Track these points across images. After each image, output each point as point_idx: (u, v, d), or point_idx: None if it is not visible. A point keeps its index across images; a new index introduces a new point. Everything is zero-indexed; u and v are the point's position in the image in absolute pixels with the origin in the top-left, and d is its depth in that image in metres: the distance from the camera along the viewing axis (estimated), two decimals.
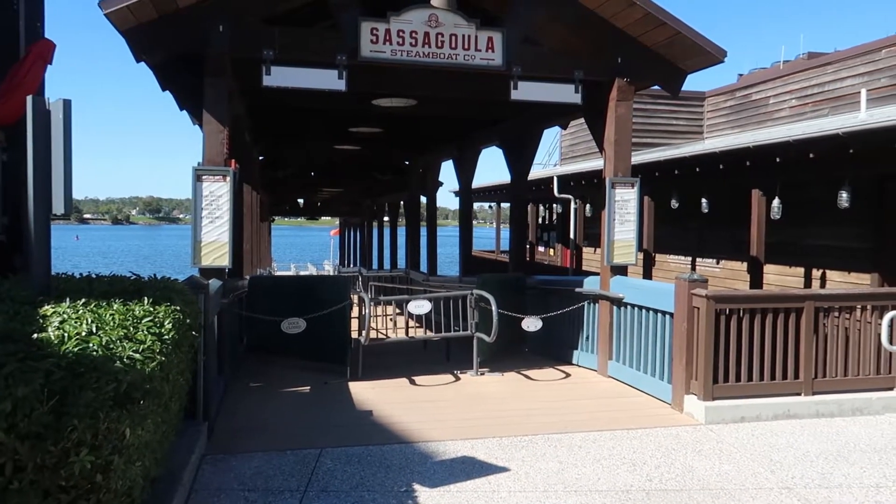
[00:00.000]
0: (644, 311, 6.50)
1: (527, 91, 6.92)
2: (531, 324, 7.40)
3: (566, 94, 7.05)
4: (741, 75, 18.08)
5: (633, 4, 6.54)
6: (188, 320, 3.50)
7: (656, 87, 7.54)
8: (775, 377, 5.75)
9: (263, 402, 6.07)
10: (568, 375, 7.29)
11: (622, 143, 7.10)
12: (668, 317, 6.08)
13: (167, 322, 3.13)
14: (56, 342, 2.51)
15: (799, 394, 5.77)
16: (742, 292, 6.76)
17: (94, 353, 2.49)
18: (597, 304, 7.43)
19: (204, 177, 6.08)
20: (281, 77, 6.34)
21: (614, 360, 7.08)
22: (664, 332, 6.15)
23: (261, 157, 15.29)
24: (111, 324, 2.84)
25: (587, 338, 7.68)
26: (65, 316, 2.84)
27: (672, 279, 13.23)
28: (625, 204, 7.10)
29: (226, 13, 6.12)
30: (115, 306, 3.09)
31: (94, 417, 2.19)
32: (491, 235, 31.52)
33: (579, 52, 7.15)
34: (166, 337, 3.01)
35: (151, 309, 3.23)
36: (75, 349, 2.47)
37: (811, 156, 8.38)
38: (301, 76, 6.43)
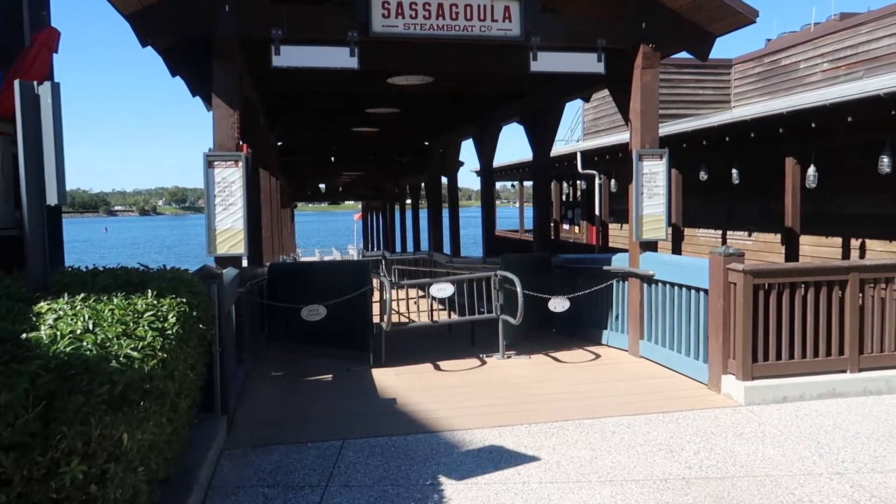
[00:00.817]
0: (676, 287, 6.21)
1: (547, 62, 6.61)
2: (558, 304, 7.15)
3: (588, 63, 6.72)
4: (769, 40, 17.40)
5: None
6: (195, 312, 3.33)
7: (683, 53, 7.17)
8: (818, 354, 5.44)
9: (285, 392, 5.93)
10: (598, 356, 7.05)
11: (649, 112, 6.76)
12: (702, 293, 5.79)
13: (171, 315, 2.95)
14: (47, 342, 2.35)
15: (844, 371, 5.46)
16: (781, 265, 6.42)
17: (88, 352, 2.32)
18: (626, 282, 7.15)
19: (215, 163, 5.90)
20: (291, 57, 6.12)
21: (646, 340, 6.82)
22: (698, 310, 5.86)
23: (279, 143, 15.15)
24: (109, 320, 2.67)
25: (616, 317, 7.41)
26: (60, 313, 2.68)
27: (702, 254, 12.86)
28: (653, 177, 6.78)
29: None
30: (116, 301, 2.92)
31: (85, 423, 2.01)
32: (514, 215, 31.17)
33: (601, 19, 6.82)
34: (170, 332, 2.83)
35: (155, 302, 3.06)
36: (67, 349, 2.29)
37: (849, 119, 7.95)
38: (312, 55, 6.20)
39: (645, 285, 6.79)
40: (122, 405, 2.22)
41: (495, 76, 8.52)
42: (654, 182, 6.79)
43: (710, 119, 12.43)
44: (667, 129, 11.88)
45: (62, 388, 2.06)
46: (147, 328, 2.72)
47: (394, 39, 6.35)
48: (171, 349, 2.76)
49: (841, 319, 5.45)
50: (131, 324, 2.73)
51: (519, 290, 6.69)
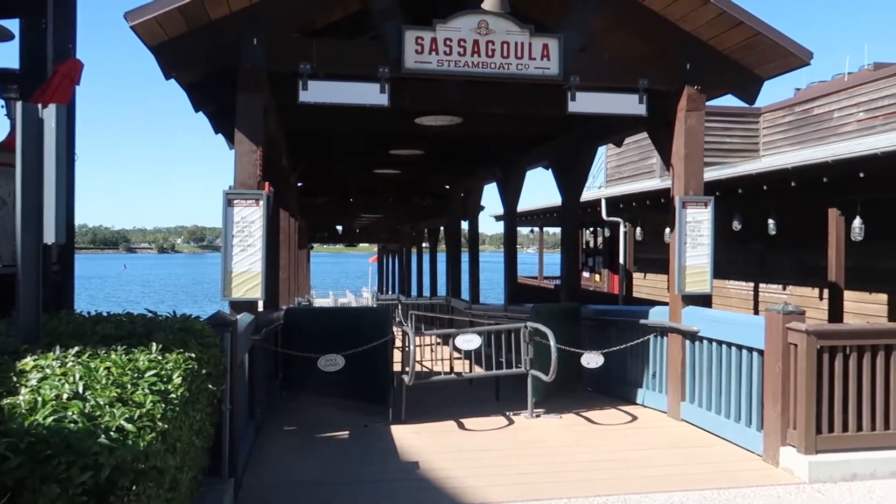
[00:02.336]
0: (725, 346, 5.72)
1: (585, 103, 6.29)
2: (592, 360, 6.66)
3: (629, 104, 6.39)
4: (798, 89, 17.12)
5: (706, 3, 5.88)
6: (204, 370, 2.92)
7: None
8: (889, 427, 4.91)
9: (297, 451, 5.46)
10: (634, 418, 6.52)
11: (693, 157, 6.39)
12: (755, 354, 5.30)
13: (176, 375, 2.54)
14: (25, 410, 1.94)
15: None
16: (848, 326, 5.94)
17: (72, 424, 1.91)
18: (665, 338, 6.66)
19: (235, 201, 5.58)
20: (319, 92, 5.85)
21: (688, 402, 6.29)
22: (751, 372, 5.36)
23: (299, 184, 14.95)
24: (104, 381, 2.27)
25: (654, 375, 6.90)
26: (47, 371, 2.28)
27: (732, 306, 12.31)
28: (697, 226, 6.36)
29: (260, 25, 5.67)
30: (114, 357, 2.52)
31: None
32: (530, 261, 30.74)
33: (643, 59, 6.52)
34: (174, 395, 2.42)
35: (160, 358, 2.66)
36: (47, 420, 1.89)
37: None
38: (340, 91, 5.93)
39: (688, 342, 6.30)
40: (110, 493, 1.80)
41: (527, 118, 8.23)
42: (697, 231, 6.37)
43: (746, 167, 12.03)
44: None
45: (33, 476, 1.64)
46: (147, 391, 2.31)
47: (426, 76, 6.07)
48: (175, 417, 2.35)
49: None
50: (129, 386, 2.32)
51: (552, 344, 6.23)
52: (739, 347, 5.51)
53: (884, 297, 9.83)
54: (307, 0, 5.91)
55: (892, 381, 4.89)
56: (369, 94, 5.92)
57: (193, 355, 2.85)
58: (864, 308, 10.10)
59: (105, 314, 3.61)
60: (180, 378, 2.54)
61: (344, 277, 72.84)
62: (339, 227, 28.45)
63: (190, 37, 5.48)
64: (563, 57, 6.06)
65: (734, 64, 6.39)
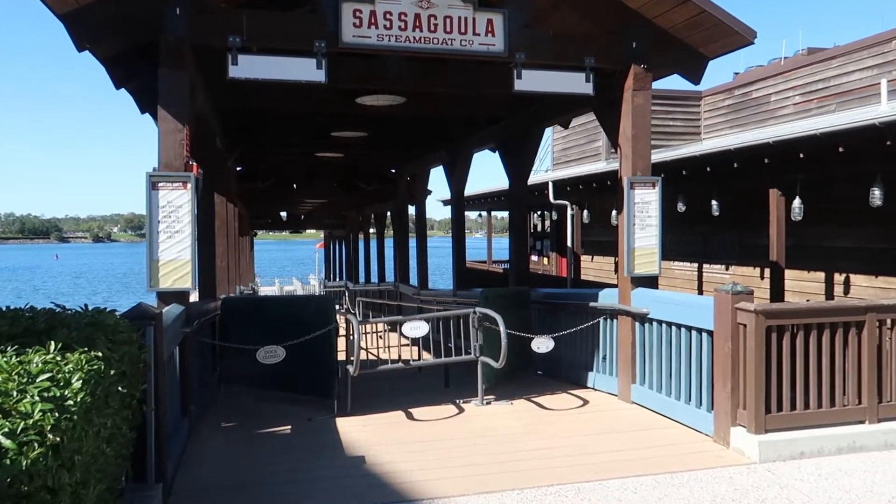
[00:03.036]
0: (675, 327, 5.66)
1: (532, 81, 6.09)
2: (542, 344, 6.53)
3: (576, 83, 6.23)
4: (737, 73, 17.42)
5: None
6: (113, 371, 2.59)
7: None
8: (835, 403, 4.93)
9: (236, 449, 5.15)
10: (585, 402, 6.43)
11: (641, 137, 6.28)
12: (704, 335, 5.24)
13: (76, 378, 2.22)
14: None
15: (863, 421, 4.94)
16: (795, 305, 5.96)
17: None
18: (615, 320, 6.59)
19: (160, 184, 5.17)
20: (250, 67, 5.46)
21: (638, 384, 6.24)
22: (700, 353, 5.31)
23: (238, 168, 14.37)
24: None
25: (604, 358, 6.83)
26: None
27: (677, 287, 12.41)
28: (645, 207, 6.28)
29: None
30: (1, 359, 2.18)
31: None
32: (479, 245, 30.68)
33: (589, 37, 6.36)
34: (71, 401, 2.10)
35: (57, 359, 2.33)
36: None
37: (840, 150, 7.63)
38: (273, 66, 5.56)
39: (637, 324, 6.23)
40: None
41: (473, 97, 8.00)
42: (646, 212, 6.28)
43: (689, 149, 12.14)
44: None
45: None
46: (37, 399, 1.99)
47: (365, 51, 5.77)
48: (71, 427, 2.03)
49: (858, 365, 4.95)
50: (15, 393, 2.00)
51: (502, 329, 6.06)
52: (689, 328, 5.45)
53: (821, 275, 10.06)
54: None
55: (837, 359, 4.91)
56: (305, 69, 5.57)
57: (100, 354, 2.53)
58: (803, 286, 10.33)
59: (4, 308, 3.22)
60: (80, 381, 2.22)
61: (290, 264, 71.67)
62: (283, 214, 27.73)
63: (104, 4, 5.01)
64: (509, 33, 5.85)
65: (679, 43, 6.30)
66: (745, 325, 4.81)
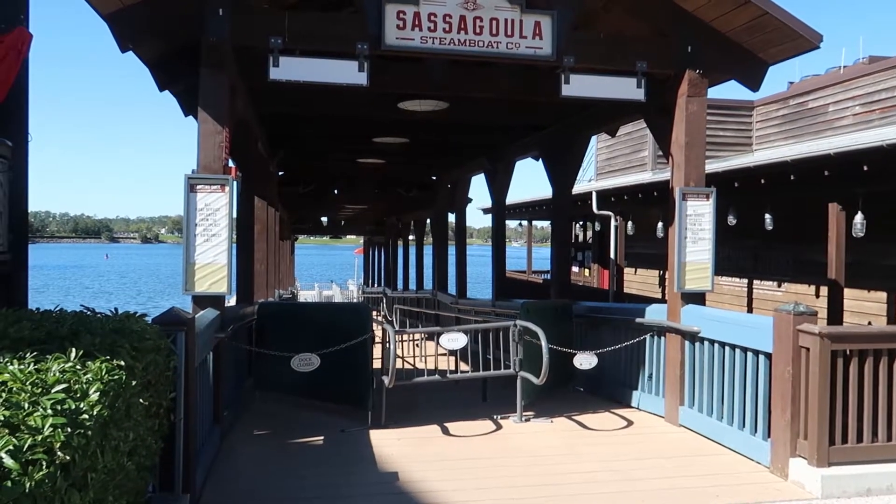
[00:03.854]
0: (728, 348, 5.33)
1: (580, 86, 5.86)
2: (585, 361, 6.26)
3: (626, 89, 5.97)
4: (791, 83, 16.81)
5: None
6: (135, 381, 2.46)
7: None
8: None
9: (267, 459, 5.01)
10: (630, 423, 6.12)
11: (695, 146, 5.98)
12: (761, 357, 4.91)
13: (93, 389, 2.08)
14: None
15: None
16: (864, 329, 5.59)
17: None
18: (663, 338, 6.27)
19: (198, 186, 5.10)
20: (291, 70, 5.37)
21: (686, 406, 5.91)
22: (756, 376, 4.97)
23: (280, 173, 14.43)
24: None
25: (650, 377, 6.51)
26: None
27: (724, 303, 11.91)
28: (698, 219, 5.96)
29: None
30: (14, 367, 2.06)
31: None
32: (518, 255, 30.34)
33: (641, 41, 6.11)
34: (87, 415, 1.96)
35: (77, 368, 2.20)
36: None
37: None
38: (315, 69, 5.45)
39: (687, 343, 5.91)
40: None
41: (518, 103, 7.78)
42: (698, 225, 5.97)
43: (742, 160, 11.70)
44: None
45: None
46: (49, 412, 1.86)
47: (409, 54, 5.61)
48: (85, 443, 1.89)
49: None
50: (27, 405, 1.86)
51: (544, 345, 5.82)
52: (744, 350, 5.12)
53: (883, 294, 9.52)
54: None
55: None
56: (347, 72, 5.45)
57: (123, 363, 2.39)
58: (862, 306, 9.79)
59: (35, 310, 3.14)
60: (98, 393, 2.08)
61: (329, 269, 72.27)
62: (324, 219, 27.90)
63: (148, 5, 4.98)
64: (557, 36, 5.63)
65: (738, 47, 5.98)
66: (807, 349, 4.47)
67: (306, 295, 27.21)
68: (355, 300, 25.84)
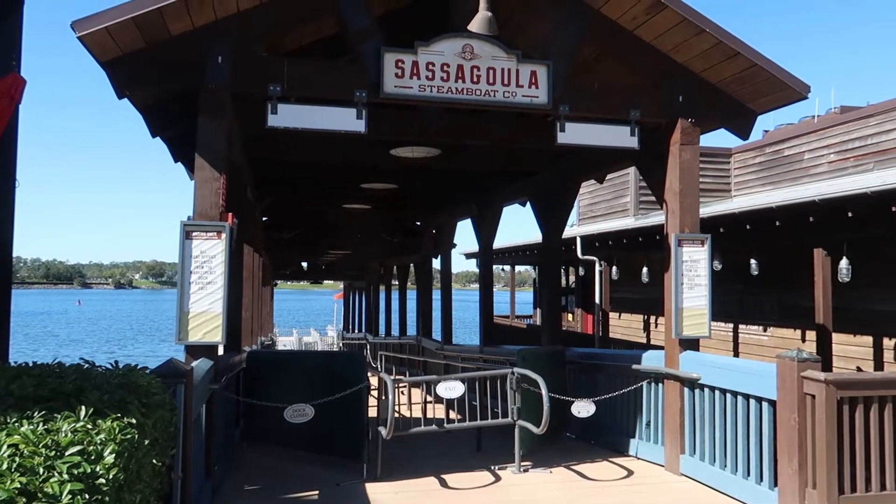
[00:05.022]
0: (730, 395, 5.29)
1: (575, 134, 5.93)
2: (583, 409, 6.17)
3: (620, 137, 6.05)
4: (766, 131, 17.29)
5: (700, 33, 5.61)
6: (147, 440, 2.34)
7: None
8: None
9: None
10: (630, 473, 6.01)
11: (688, 193, 6.06)
12: (765, 404, 4.88)
13: (108, 451, 1.97)
14: None
15: None
16: (870, 375, 5.61)
17: None
18: (660, 385, 6.22)
19: (194, 233, 5.01)
20: (289, 117, 5.36)
21: (687, 455, 5.83)
22: (760, 424, 4.93)
23: (264, 218, 14.35)
24: (4, 466, 1.69)
25: (648, 424, 6.44)
26: None
27: (710, 348, 11.93)
28: (694, 265, 6.00)
29: (225, 42, 5.19)
30: (25, 428, 1.94)
31: None
32: (499, 300, 30.27)
33: (634, 90, 6.21)
34: (103, 479, 1.85)
35: (89, 427, 2.08)
36: None
37: (894, 209, 7.33)
38: (313, 115, 5.45)
39: (686, 390, 5.86)
40: None
41: (511, 150, 7.86)
42: (694, 271, 6.00)
43: (725, 205, 11.90)
44: None
45: None
46: (66, 477, 1.74)
47: (407, 102, 5.65)
48: None
49: None
50: (41, 470, 1.75)
51: (544, 393, 5.73)
52: (747, 397, 5.08)
53: (868, 339, 9.62)
54: (278, 18, 5.44)
55: None
56: (345, 119, 5.46)
57: (134, 421, 2.28)
58: (848, 350, 9.87)
59: (31, 364, 3.00)
60: (114, 455, 1.97)
61: (307, 315, 71.49)
62: (305, 264, 27.70)
63: (147, 53, 4.97)
64: (552, 85, 5.71)
65: (728, 97, 6.14)
66: (813, 396, 4.45)
67: (285, 341, 26.76)
68: (334, 347, 25.48)
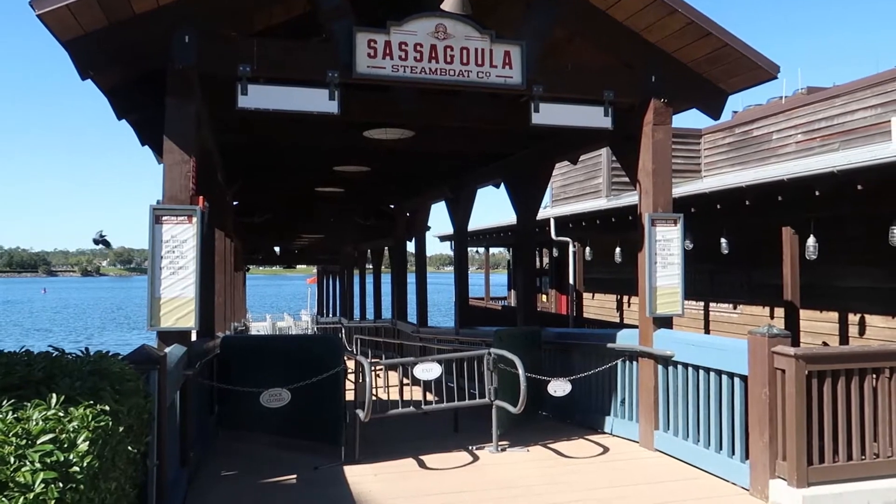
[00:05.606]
0: (703, 371, 5.39)
1: (549, 115, 5.93)
2: (559, 388, 6.23)
3: (594, 117, 6.07)
4: (735, 112, 17.50)
5: (673, 13, 5.62)
6: (122, 427, 2.29)
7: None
8: (882, 454, 4.64)
9: (240, 502, 4.77)
10: (606, 449, 6.10)
11: (661, 173, 6.11)
12: (737, 379, 4.97)
13: (82, 438, 1.92)
14: None
15: None
16: (837, 349, 5.73)
17: None
18: (635, 363, 6.30)
19: (164, 217, 4.91)
20: (260, 98, 5.26)
21: (661, 431, 5.93)
22: (732, 399, 5.03)
23: (234, 203, 14.13)
24: None
25: (622, 402, 6.53)
26: None
27: (683, 326, 12.10)
28: (667, 244, 6.06)
29: (192, 21, 5.06)
30: None
31: None
32: (474, 282, 30.37)
33: (607, 71, 6.22)
34: (77, 467, 1.80)
35: (60, 415, 2.03)
36: None
37: (859, 187, 7.48)
38: (284, 96, 5.36)
39: (660, 367, 5.95)
40: None
41: (484, 132, 7.83)
42: (668, 250, 6.07)
43: (696, 185, 12.03)
44: None
45: None
46: (38, 466, 1.70)
47: (380, 82, 5.58)
48: (78, 500, 1.73)
49: None
50: (13, 459, 1.70)
51: (521, 373, 5.77)
52: (719, 373, 5.18)
53: (835, 314, 9.85)
54: None
55: (882, 406, 4.64)
56: (317, 100, 5.38)
57: (108, 408, 2.23)
58: (815, 326, 10.11)
59: None
60: (88, 442, 1.92)
61: (280, 300, 71.04)
62: (277, 248, 27.44)
63: (110, 31, 4.81)
64: (526, 65, 5.68)
65: (698, 77, 6.17)
66: (783, 371, 4.54)
67: (258, 327, 26.56)
68: (309, 331, 25.33)
